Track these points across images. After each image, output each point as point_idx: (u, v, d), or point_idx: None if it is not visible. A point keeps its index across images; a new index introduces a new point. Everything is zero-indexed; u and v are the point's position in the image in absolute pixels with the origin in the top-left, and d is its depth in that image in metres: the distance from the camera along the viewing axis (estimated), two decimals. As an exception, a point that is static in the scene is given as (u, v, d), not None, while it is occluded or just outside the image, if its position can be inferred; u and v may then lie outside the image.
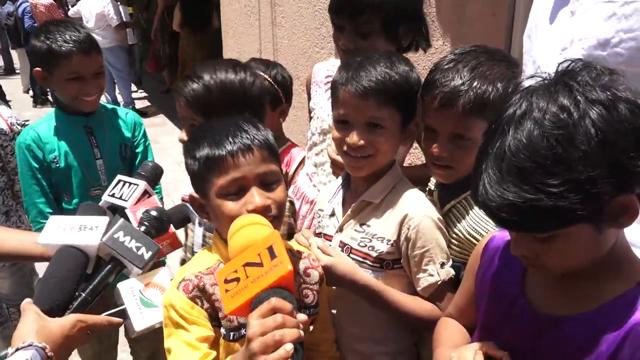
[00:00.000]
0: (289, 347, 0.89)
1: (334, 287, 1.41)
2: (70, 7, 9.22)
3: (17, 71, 11.01)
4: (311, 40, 3.64)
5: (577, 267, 0.92)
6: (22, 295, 2.47)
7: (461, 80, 1.30)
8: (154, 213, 1.36)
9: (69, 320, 1.17)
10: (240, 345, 1.19)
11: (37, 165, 2.05)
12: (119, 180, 1.54)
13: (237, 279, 0.97)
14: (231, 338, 1.20)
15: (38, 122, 2.17)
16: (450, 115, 1.32)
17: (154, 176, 1.54)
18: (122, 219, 1.32)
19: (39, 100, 9.30)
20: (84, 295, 1.23)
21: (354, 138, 1.35)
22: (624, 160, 0.78)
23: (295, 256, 1.33)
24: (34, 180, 2.05)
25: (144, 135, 2.35)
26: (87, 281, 1.26)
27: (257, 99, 1.52)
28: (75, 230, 1.29)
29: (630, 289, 0.89)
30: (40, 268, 1.34)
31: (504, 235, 1.11)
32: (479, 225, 1.37)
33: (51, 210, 2.06)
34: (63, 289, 1.22)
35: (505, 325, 1.05)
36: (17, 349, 1.06)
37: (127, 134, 2.26)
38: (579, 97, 0.80)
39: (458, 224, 1.41)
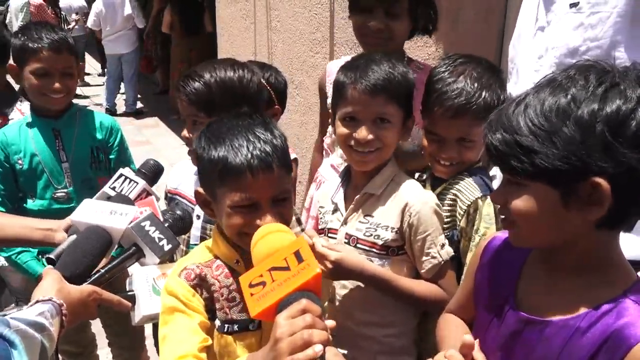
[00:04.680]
0: (318, 348, 0.88)
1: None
2: (58, 8, 9.23)
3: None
4: (306, 45, 3.67)
5: (537, 242, 0.99)
6: (31, 292, 2.49)
7: (472, 92, 1.45)
8: (179, 213, 1.46)
9: (86, 288, 1.27)
10: (233, 339, 1.23)
11: None
12: (121, 175, 1.59)
13: (263, 283, 0.97)
14: (225, 330, 1.23)
15: (11, 124, 2.20)
16: (460, 124, 1.48)
17: (154, 174, 1.59)
18: (150, 212, 1.42)
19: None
20: (102, 271, 1.33)
21: (363, 133, 1.45)
22: (617, 146, 0.84)
23: None
24: None
25: (122, 141, 2.32)
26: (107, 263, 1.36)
27: (255, 96, 1.60)
28: (106, 214, 1.40)
29: (615, 297, 0.91)
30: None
31: (504, 236, 1.14)
32: (464, 191, 1.53)
33: (3, 210, 2.05)
34: (85, 261, 1.32)
35: (494, 324, 1.08)
36: (37, 301, 1.14)
37: (101, 138, 2.24)
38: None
39: (445, 197, 1.56)
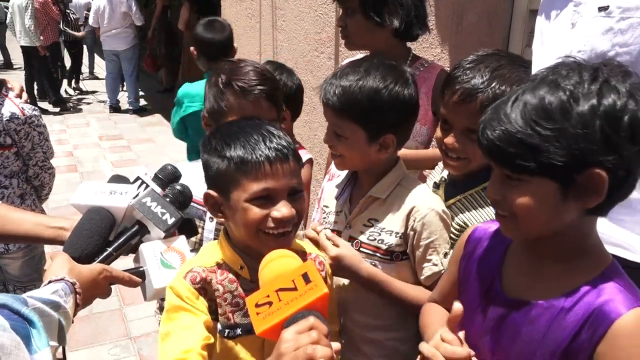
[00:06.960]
0: None
1: (345, 281, 1.50)
2: (63, 5, 9.30)
3: (15, 66, 11.04)
4: (311, 45, 3.70)
5: (536, 234, 1.01)
6: (30, 278, 2.59)
7: (482, 79, 1.39)
8: (178, 187, 1.46)
9: (97, 267, 1.27)
10: (234, 343, 1.25)
11: None
12: (138, 177, 1.57)
13: (270, 303, 0.97)
14: (225, 335, 1.25)
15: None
16: (467, 111, 1.40)
17: (170, 181, 1.56)
18: (150, 188, 1.43)
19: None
20: (109, 250, 1.34)
21: (325, 137, 1.51)
22: (616, 139, 0.88)
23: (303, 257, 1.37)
24: None
25: None
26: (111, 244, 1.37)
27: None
28: (106, 194, 1.41)
29: (595, 277, 0.97)
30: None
31: (487, 226, 1.20)
32: (479, 219, 1.44)
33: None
34: (92, 241, 1.33)
35: (480, 310, 1.12)
36: (50, 281, 1.14)
37: None
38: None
39: (457, 216, 1.49)
